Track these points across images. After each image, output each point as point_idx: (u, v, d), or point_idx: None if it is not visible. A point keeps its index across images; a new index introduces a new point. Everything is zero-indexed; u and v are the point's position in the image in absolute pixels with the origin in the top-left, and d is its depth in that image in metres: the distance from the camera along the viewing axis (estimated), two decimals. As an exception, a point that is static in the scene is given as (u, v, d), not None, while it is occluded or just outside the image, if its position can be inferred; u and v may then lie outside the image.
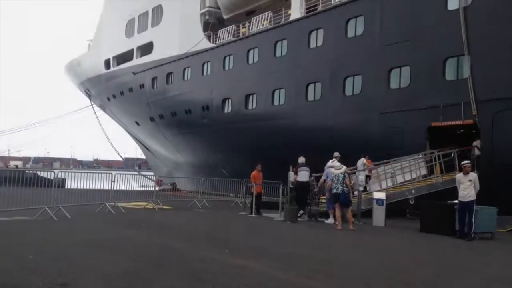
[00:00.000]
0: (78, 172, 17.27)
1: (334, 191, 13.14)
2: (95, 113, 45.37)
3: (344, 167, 13.59)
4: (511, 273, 7.56)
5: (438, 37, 17.74)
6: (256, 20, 26.42)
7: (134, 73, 35.73)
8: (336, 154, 15.37)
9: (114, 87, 39.25)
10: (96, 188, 16.14)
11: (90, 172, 16.58)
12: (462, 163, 12.84)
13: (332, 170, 13.84)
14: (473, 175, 12.36)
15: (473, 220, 11.77)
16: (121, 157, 49.16)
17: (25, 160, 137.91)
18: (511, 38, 15.72)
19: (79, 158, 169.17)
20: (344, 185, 13.04)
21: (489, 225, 12.27)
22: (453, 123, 17.30)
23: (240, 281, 5.96)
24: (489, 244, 11.51)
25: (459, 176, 12.56)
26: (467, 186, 11.93)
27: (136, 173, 28.82)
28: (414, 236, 12.48)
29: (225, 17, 29.72)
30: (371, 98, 20.00)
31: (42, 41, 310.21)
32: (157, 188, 19.09)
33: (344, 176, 13.22)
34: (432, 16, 17.97)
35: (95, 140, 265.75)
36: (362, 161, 17.63)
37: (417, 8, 18.41)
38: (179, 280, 5.92)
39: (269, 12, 25.66)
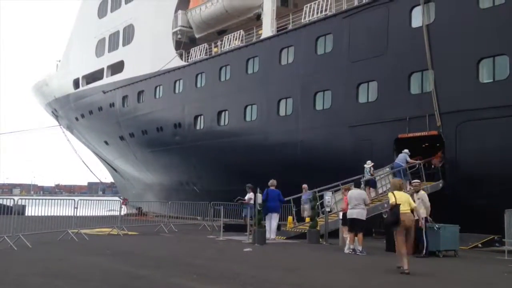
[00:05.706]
0: (39, 199, 16.82)
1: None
2: (63, 132, 44.69)
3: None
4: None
5: (403, 53, 18.74)
6: (228, 39, 27.07)
7: (104, 92, 35.63)
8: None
9: (83, 107, 38.90)
10: (58, 214, 15.59)
11: (51, 199, 16.22)
12: (412, 182, 13.09)
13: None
14: (421, 194, 12.59)
15: (424, 237, 12.02)
16: (100, 180, 47.00)
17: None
18: (471, 52, 16.81)
19: (40, 184, 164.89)
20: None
21: (452, 243, 12.64)
22: (418, 134, 18.14)
23: None
24: (453, 261, 11.74)
25: None
26: (417, 205, 11.97)
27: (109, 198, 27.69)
28: (380, 256, 12.54)
29: (197, 36, 30.28)
30: (340, 112, 20.74)
31: (9, 63, 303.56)
32: (122, 211, 18.45)
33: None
34: (397, 34, 18.99)
35: (56, 164, 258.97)
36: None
37: (383, 26, 19.41)
38: (146, 309, 5.72)
39: (241, 31, 26.36)
